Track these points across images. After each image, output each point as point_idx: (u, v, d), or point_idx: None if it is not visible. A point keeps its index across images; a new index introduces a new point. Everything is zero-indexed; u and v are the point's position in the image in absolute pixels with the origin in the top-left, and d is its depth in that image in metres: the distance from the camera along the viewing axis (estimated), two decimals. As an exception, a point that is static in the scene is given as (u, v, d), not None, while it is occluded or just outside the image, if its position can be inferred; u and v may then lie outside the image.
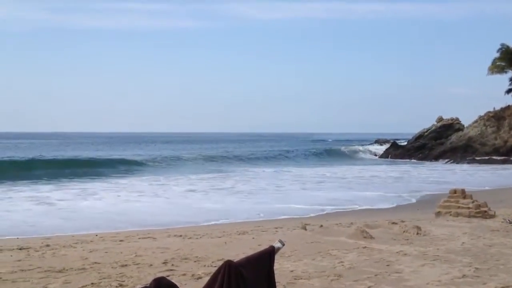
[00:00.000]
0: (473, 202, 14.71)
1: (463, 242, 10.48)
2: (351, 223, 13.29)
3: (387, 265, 8.34)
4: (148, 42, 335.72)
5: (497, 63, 57.45)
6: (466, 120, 61.14)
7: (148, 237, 11.34)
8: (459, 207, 14.67)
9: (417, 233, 11.44)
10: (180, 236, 11.51)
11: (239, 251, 9.19)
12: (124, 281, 7.31)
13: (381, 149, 69.94)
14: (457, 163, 48.30)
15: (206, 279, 7.13)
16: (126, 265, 8.29)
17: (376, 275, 7.66)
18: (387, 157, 60.62)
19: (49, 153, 54.50)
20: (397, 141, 78.47)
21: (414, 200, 21.34)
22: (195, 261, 8.59)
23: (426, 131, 64.14)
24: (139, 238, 11.22)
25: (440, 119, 64.15)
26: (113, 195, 22.20)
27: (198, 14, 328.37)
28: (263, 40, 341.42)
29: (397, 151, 63.11)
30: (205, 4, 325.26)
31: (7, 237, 12.30)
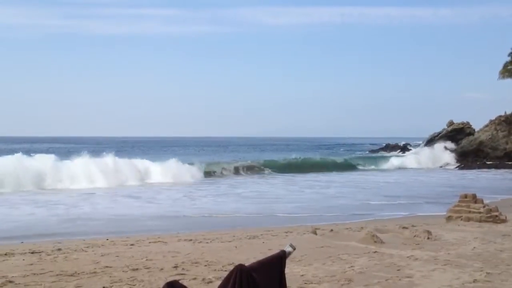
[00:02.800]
0: (484, 206, 14.64)
1: (474, 247, 10.44)
2: (361, 227, 13.26)
3: (398, 270, 8.32)
4: (160, 47, 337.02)
5: (508, 67, 57.05)
6: (477, 124, 60.74)
7: (159, 241, 11.39)
8: (470, 211, 14.60)
9: (428, 238, 11.40)
10: (191, 240, 11.55)
11: (249, 255, 9.21)
12: (135, 285, 7.36)
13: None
14: (468, 168, 47.94)
15: (216, 283, 7.17)
16: (137, 269, 8.34)
17: (386, 280, 7.65)
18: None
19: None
20: (408, 146, 78.21)
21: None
22: (205, 265, 8.62)
23: (437, 135, 63.83)
24: (149, 242, 11.27)
25: (450, 123, 63.78)
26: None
27: (211, 20, 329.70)
28: (275, 45, 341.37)
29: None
30: (218, 10, 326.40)
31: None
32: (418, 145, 72.14)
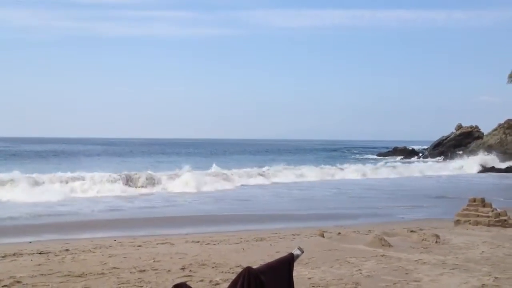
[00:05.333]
0: (492, 210, 14.55)
1: (482, 251, 10.38)
2: (369, 230, 13.22)
3: (406, 274, 8.29)
4: (172, 49, 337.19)
5: (517, 71, 56.81)
6: (486, 128, 60.48)
7: (166, 243, 11.40)
8: (478, 215, 14.52)
9: (436, 242, 11.35)
10: (198, 242, 11.55)
11: (256, 258, 9.20)
12: (142, 286, 7.38)
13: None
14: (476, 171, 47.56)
15: (224, 285, 7.18)
16: (144, 270, 8.35)
17: (394, 284, 7.62)
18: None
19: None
20: (414, 149, 78.05)
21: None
22: (213, 267, 8.62)
23: (445, 139, 63.65)
24: (157, 244, 11.28)
25: (459, 126, 63.60)
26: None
27: (222, 22, 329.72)
28: (286, 47, 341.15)
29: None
30: (229, 12, 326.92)
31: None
32: (426, 149, 71.96)
